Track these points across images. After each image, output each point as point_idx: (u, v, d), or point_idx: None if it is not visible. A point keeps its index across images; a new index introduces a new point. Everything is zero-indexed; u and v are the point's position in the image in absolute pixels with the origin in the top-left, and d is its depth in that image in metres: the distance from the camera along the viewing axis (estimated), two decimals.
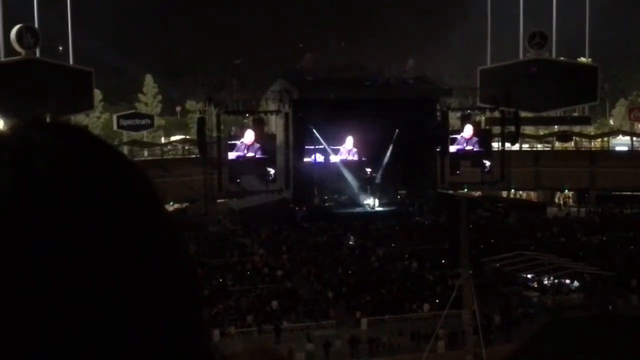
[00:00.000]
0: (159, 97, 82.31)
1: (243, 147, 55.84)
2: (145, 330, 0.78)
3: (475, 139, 61.22)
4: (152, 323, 0.78)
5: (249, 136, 56.20)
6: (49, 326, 0.72)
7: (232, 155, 55.66)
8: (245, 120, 60.61)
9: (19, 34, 57.44)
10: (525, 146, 70.31)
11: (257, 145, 56.11)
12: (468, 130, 61.20)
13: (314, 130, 57.71)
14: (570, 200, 67.98)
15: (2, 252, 0.71)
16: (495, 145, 62.91)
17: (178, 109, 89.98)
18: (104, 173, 0.79)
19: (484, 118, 64.64)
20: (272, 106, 57.27)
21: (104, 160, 0.81)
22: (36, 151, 0.76)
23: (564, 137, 69.80)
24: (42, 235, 0.72)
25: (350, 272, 43.45)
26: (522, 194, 69.21)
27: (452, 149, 60.81)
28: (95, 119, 74.26)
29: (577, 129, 71.16)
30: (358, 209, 58.00)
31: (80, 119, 66.45)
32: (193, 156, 62.37)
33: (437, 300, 37.77)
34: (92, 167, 0.78)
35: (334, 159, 59.33)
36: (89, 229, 0.74)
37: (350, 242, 49.64)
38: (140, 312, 0.77)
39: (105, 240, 0.75)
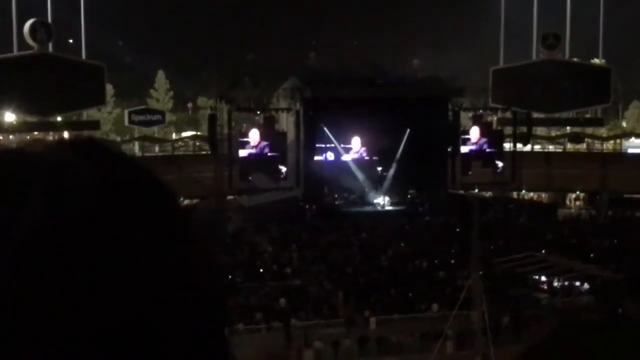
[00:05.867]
0: (171, 93, 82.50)
1: (252, 145, 55.95)
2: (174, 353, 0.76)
3: (484, 139, 61.09)
4: (180, 349, 0.76)
5: (254, 135, 56.32)
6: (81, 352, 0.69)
7: (243, 152, 55.72)
8: (256, 118, 60.65)
9: (32, 28, 57.56)
10: (537, 147, 70.04)
11: (267, 143, 56.15)
12: (474, 132, 61.11)
13: (325, 129, 57.71)
14: (582, 202, 67.63)
15: (33, 271, 0.69)
16: (507, 146, 62.73)
17: (189, 105, 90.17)
18: (136, 194, 0.77)
19: (495, 118, 64.45)
20: (284, 104, 57.34)
21: (136, 181, 0.79)
22: (69, 171, 0.74)
23: (576, 138, 69.51)
24: (73, 257, 0.70)
25: (359, 271, 43.39)
26: (533, 195, 68.96)
27: (464, 149, 60.66)
28: (107, 114, 74.47)
29: (589, 130, 70.83)
30: (368, 208, 57.96)
31: (92, 114, 66.69)
32: (204, 152, 62.41)
33: (446, 301, 37.65)
34: (124, 188, 0.76)
35: (345, 157, 59.30)
36: (120, 250, 0.72)
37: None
38: (170, 334, 0.75)
39: (135, 263, 0.73)
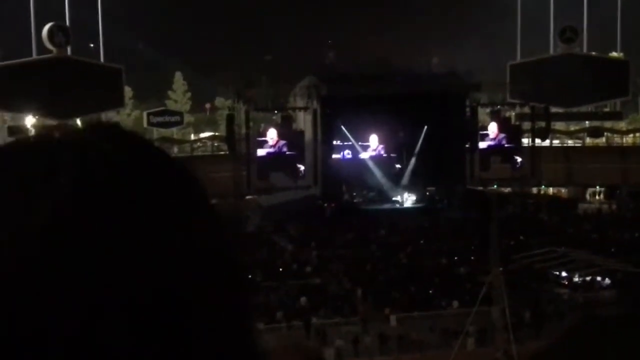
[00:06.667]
0: (189, 94, 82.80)
1: (270, 144, 56.04)
2: (197, 337, 0.76)
3: (502, 135, 60.84)
4: (204, 332, 0.76)
5: (272, 135, 56.38)
6: (110, 332, 0.70)
7: (261, 151, 55.82)
8: (274, 117, 60.77)
9: (50, 32, 57.96)
10: (556, 142, 69.63)
11: (284, 142, 56.18)
12: (493, 127, 60.85)
13: (343, 127, 57.72)
14: (602, 197, 67.20)
15: (59, 250, 0.70)
16: (525, 141, 62.43)
17: (207, 106, 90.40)
18: (161, 180, 0.79)
19: (513, 114, 64.17)
20: (301, 102, 57.38)
21: (161, 167, 0.81)
22: (95, 155, 0.75)
23: (595, 132, 69.03)
24: (100, 238, 0.71)
25: (379, 268, 43.38)
26: (554, 190, 68.60)
27: (482, 145, 60.45)
28: (126, 116, 74.82)
29: (608, 124, 70.32)
30: (387, 205, 57.91)
31: (111, 115, 66.99)
32: (222, 153, 62.59)
33: (466, 297, 37.57)
34: (148, 173, 0.78)
35: (362, 155, 59.30)
36: (144, 233, 0.73)
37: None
38: (192, 321, 0.75)
39: (159, 246, 0.74)
